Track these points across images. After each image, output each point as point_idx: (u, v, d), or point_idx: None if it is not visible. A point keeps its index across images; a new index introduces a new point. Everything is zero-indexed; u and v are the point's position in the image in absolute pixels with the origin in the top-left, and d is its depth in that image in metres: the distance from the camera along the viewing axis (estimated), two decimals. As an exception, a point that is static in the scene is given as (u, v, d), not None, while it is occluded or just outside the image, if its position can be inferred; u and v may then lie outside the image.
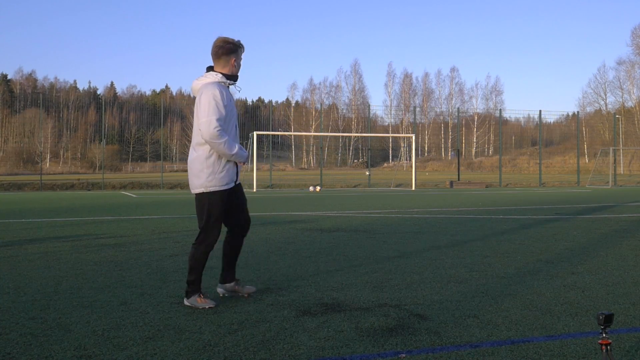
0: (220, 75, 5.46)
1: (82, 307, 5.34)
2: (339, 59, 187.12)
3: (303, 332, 4.51)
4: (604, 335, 3.23)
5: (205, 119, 5.18)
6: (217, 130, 5.17)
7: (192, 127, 5.50)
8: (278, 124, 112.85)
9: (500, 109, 66.32)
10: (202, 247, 5.50)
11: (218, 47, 5.48)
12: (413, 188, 36.64)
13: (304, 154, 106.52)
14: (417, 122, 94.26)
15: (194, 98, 5.45)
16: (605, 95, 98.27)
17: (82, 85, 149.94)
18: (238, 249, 5.83)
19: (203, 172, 5.34)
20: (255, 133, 37.92)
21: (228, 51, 5.49)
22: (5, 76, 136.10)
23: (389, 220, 13.85)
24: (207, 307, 5.32)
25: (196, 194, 5.44)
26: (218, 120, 5.20)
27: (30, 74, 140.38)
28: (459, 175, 43.95)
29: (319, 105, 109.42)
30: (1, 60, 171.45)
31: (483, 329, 4.57)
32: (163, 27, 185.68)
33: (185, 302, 5.43)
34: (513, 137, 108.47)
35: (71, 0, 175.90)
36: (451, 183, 40.18)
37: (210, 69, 5.54)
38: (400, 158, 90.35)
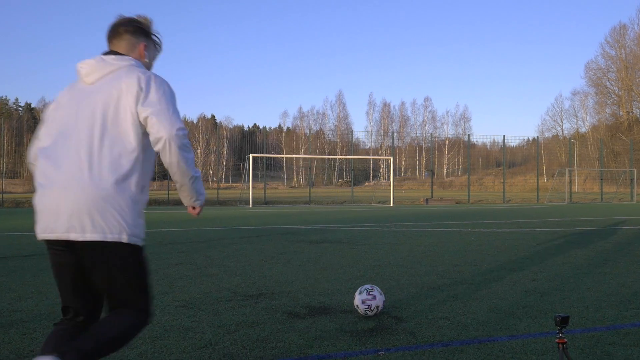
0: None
1: (97, 310, 5.33)
2: (325, 90, 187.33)
3: (293, 332, 4.51)
4: (560, 335, 3.25)
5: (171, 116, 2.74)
6: (185, 136, 2.76)
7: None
8: (271, 147, 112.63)
9: (469, 134, 66.47)
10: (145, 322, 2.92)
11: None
12: (391, 204, 36.62)
13: (295, 174, 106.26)
14: (395, 145, 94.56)
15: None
16: (562, 122, 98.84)
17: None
18: None
19: (130, 208, 2.72)
20: (251, 155, 37.91)
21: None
22: (29, 104, 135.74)
23: (370, 233, 13.85)
24: None
25: (117, 243, 2.69)
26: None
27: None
28: (432, 193, 43.98)
29: (307, 131, 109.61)
30: (26, 90, 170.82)
31: (453, 330, 4.58)
32: (168, 64, 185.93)
33: None
34: (480, 159, 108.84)
35: (88, 41, 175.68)
36: (426, 200, 40.20)
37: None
38: (379, 178, 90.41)
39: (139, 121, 2.73)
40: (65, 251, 2.73)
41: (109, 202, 2.64)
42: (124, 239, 2.68)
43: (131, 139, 2.72)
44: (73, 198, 2.63)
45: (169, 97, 2.79)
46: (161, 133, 2.67)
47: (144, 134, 2.75)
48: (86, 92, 2.82)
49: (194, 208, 3.08)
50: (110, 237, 2.65)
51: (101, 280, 2.76)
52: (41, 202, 2.71)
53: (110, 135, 2.70)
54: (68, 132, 2.76)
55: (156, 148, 2.73)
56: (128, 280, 2.79)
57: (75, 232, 2.64)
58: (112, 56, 2.89)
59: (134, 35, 2.99)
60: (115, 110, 2.73)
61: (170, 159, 2.72)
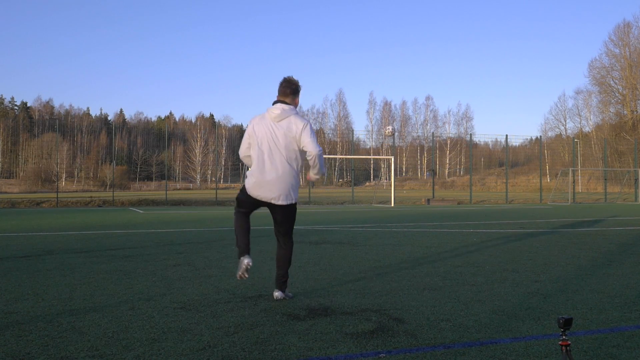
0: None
1: (94, 312, 5.33)
2: (325, 88, 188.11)
3: (293, 334, 4.51)
4: (563, 337, 3.25)
5: (314, 140, 5.74)
6: (321, 153, 5.81)
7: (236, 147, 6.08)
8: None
9: (471, 134, 66.54)
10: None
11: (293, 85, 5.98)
12: (392, 205, 36.59)
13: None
14: (396, 145, 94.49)
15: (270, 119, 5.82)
16: (565, 121, 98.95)
17: (94, 112, 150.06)
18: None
19: (297, 186, 5.90)
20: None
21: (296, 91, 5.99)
22: (25, 104, 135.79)
23: (371, 233, 13.85)
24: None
25: (293, 204, 5.96)
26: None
27: (48, 101, 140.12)
28: (433, 193, 43.95)
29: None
30: (22, 89, 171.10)
31: (455, 332, 4.58)
32: (166, 63, 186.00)
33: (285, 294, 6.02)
34: (482, 159, 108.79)
35: (85, 40, 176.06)
36: (427, 200, 40.15)
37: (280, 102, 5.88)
38: (380, 177, 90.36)
39: (300, 144, 5.72)
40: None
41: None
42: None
43: (297, 154, 5.79)
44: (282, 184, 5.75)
45: (313, 132, 5.75)
46: (311, 152, 5.70)
47: (301, 151, 5.80)
48: (276, 126, 5.73)
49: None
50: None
51: None
52: (260, 185, 5.76)
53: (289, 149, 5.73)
54: (270, 149, 5.72)
55: (309, 159, 5.77)
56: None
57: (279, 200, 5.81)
58: (286, 106, 5.78)
59: (293, 95, 5.90)
60: (292, 138, 5.69)
61: (314, 163, 5.81)
